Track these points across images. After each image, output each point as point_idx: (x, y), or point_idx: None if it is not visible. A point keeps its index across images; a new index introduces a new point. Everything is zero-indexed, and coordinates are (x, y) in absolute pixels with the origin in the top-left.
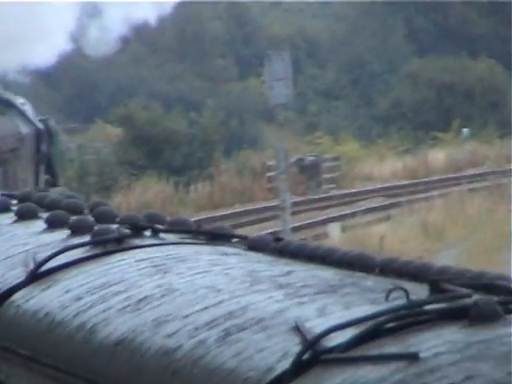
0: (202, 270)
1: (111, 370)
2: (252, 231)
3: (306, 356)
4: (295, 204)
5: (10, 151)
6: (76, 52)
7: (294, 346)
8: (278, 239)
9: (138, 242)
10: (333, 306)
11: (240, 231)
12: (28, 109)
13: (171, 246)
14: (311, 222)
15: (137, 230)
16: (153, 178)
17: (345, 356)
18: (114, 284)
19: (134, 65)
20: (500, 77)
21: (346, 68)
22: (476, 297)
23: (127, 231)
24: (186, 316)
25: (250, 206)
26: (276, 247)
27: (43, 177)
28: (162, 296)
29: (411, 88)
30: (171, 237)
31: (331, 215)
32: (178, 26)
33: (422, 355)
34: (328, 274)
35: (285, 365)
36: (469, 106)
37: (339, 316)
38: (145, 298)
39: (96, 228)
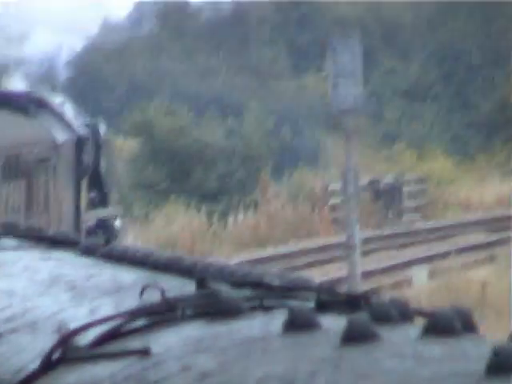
0: (12, 274)
1: None
2: (312, 276)
3: (56, 355)
4: (367, 241)
5: (39, 162)
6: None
7: (50, 346)
8: (107, 242)
9: None
10: (107, 307)
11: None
12: (68, 110)
13: None
14: (389, 266)
15: None
16: (179, 205)
17: (87, 354)
18: None
19: (154, 55)
20: None
21: (436, 60)
22: (230, 293)
23: None
24: None
25: (307, 244)
26: (104, 252)
27: (86, 194)
28: None
29: None
30: (8, 242)
31: (415, 256)
32: (212, 5)
33: (154, 351)
34: (129, 277)
35: (37, 364)
36: None
37: (102, 315)
38: None
39: None
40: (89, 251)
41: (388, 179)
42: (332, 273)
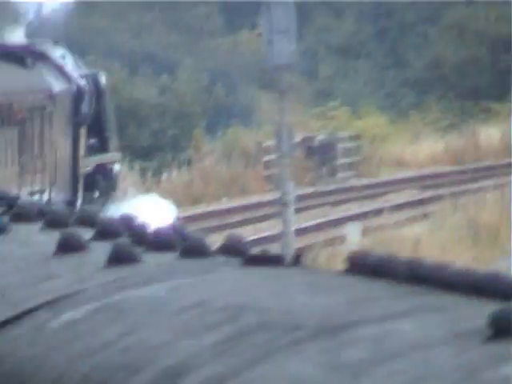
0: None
1: None
2: (245, 234)
3: None
4: (301, 198)
5: (34, 110)
6: None
7: None
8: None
9: None
10: None
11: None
12: (68, 62)
13: None
14: (322, 222)
15: None
16: None
17: None
18: None
19: (86, 13)
20: None
21: (370, 17)
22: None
23: None
24: None
25: (241, 201)
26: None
27: (85, 141)
28: None
29: (456, 43)
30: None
31: (349, 213)
32: None
33: None
34: None
35: None
36: None
37: None
38: None
39: None
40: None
41: (322, 136)
42: (265, 230)
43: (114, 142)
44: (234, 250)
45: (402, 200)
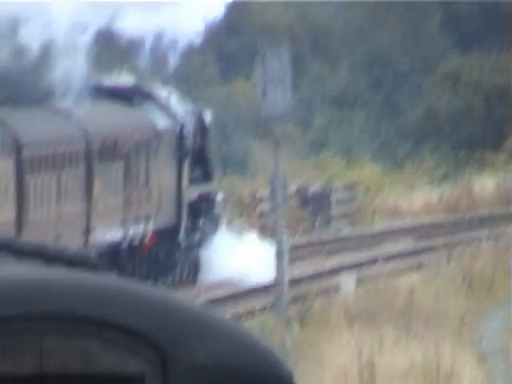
0: None
1: None
2: (238, 284)
3: None
4: (295, 247)
5: (140, 145)
6: None
7: None
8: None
9: None
10: None
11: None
12: (173, 101)
13: None
14: (317, 273)
15: None
16: None
17: None
18: None
19: None
20: None
21: (364, 67)
22: None
23: None
24: None
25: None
26: None
27: (187, 172)
28: None
29: (450, 93)
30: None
31: (344, 263)
32: None
33: None
34: None
35: None
36: None
37: None
38: None
39: None
40: None
41: (316, 186)
42: (260, 280)
43: (216, 173)
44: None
45: (396, 250)
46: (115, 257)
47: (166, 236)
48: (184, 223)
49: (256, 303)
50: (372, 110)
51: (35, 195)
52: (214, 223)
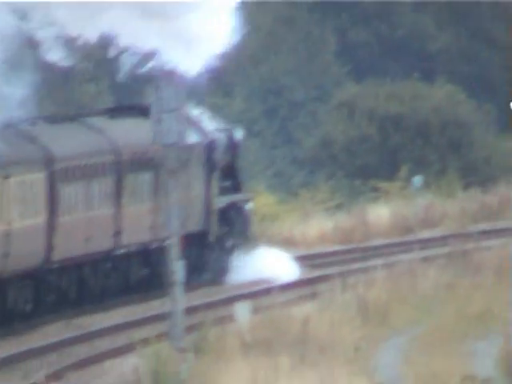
0: None
1: None
2: (130, 313)
3: None
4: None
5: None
6: None
7: None
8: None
9: None
10: None
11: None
12: (204, 119)
13: None
14: (212, 302)
15: None
16: None
17: None
18: None
19: None
20: (463, 107)
21: (259, 95)
22: None
23: None
24: None
25: None
26: None
27: (217, 183)
28: None
29: (345, 122)
30: None
31: (238, 292)
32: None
33: None
34: None
35: None
36: (422, 146)
37: None
38: None
39: None
40: None
41: None
42: (154, 309)
43: (246, 184)
44: None
45: (290, 279)
46: (147, 257)
47: (196, 240)
48: (213, 228)
49: (152, 331)
50: (267, 139)
51: (65, 201)
52: (244, 233)
